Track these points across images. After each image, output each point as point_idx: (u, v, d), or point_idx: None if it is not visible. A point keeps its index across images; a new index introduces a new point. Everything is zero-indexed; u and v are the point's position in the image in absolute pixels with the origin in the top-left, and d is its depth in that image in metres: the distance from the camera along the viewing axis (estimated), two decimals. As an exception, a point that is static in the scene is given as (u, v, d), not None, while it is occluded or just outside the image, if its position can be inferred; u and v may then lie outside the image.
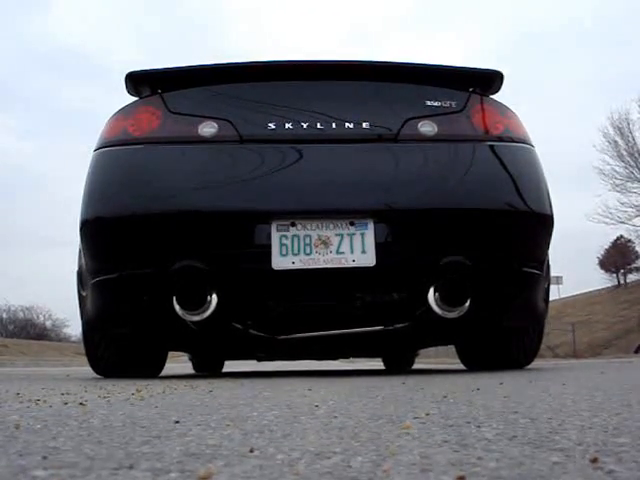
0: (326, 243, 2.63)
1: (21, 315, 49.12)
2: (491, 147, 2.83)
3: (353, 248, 2.63)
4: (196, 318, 2.62)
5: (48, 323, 51.32)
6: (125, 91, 3.00)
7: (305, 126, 2.77)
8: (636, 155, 29.27)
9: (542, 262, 2.97)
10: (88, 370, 3.79)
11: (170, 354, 3.94)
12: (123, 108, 2.92)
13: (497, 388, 1.94)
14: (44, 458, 0.77)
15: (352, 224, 2.65)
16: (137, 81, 2.95)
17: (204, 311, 2.60)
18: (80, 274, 3.15)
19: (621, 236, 40.27)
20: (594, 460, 0.72)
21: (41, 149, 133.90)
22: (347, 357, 5.02)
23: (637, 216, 29.77)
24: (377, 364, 9.73)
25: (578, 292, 44.36)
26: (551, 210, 2.89)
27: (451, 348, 4.46)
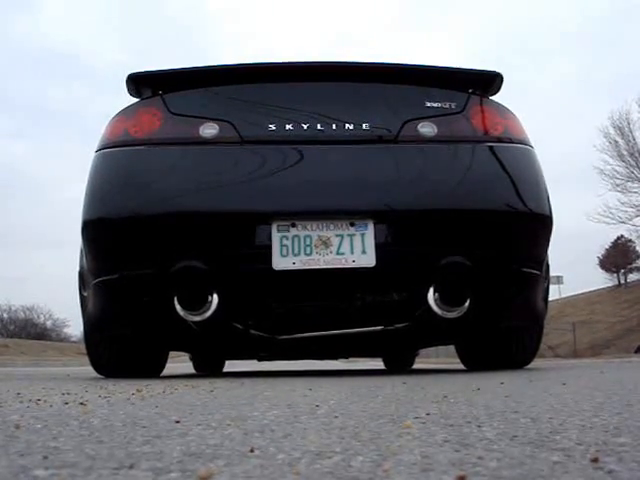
0: (326, 244, 2.63)
1: (22, 315, 49.17)
2: (490, 148, 2.84)
3: (353, 249, 2.63)
4: (197, 318, 2.62)
5: (49, 323, 51.37)
6: (126, 92, 3.00)
7: (305, 127, 2.77)
8: (636, 155, 29.27)
9: (541, 262, 2.97)
10: (88, 370, 3.80)
11: (170, 354, 3.94)
12: (124, 109, 2.92)
13: (497, 388, 1.94)
14: (45, 458, 0.77)
15: (352, 225, 2.65)
16: (138, 82, 2.95)
17: (205, 311, 2.61)
18: (81, 274, 3.16)
19: (621, 236, 40.33)
20: (595, 460, 0.72)
21: (33, 149, 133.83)
22: (347, 357, 5.03)
23: (637, 216, 29.78)
24: (378, 364, 9.73)
25: (579, 292, 44.39)
26: (550, 211, 2.90)
27: (451, 348, 4.46)
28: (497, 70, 3.00)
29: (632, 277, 44.26)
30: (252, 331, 2.82)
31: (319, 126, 2.78)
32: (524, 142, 2.94)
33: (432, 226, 2.71)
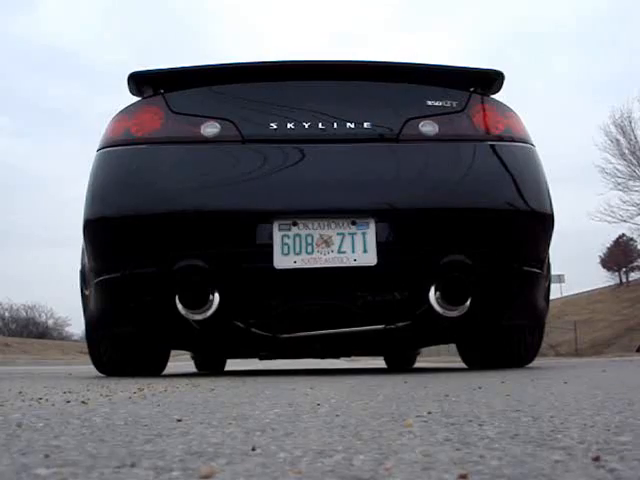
0: (328, 242, 2.63)
1: (23, 314, 49.22)
2: (492, 147, 2.84)
3: (354, 247, 2.63)
4: (198, 317, 2.63)
5: (50, 322, 51.41)
6: (127, 91, 3.00)
7: (307, 126, 2.77)
8: (638, 153, 29.24)
9: (542, 261, 2.97)
10: (90, 369, 3.80)
11: (172, 353, 3.95)
12: (126, 108, 2.92)
13: (499, 386, 1.94)
14: (46, 456, 0.77)
15: (354, 223, 2.65)
16: (139, 81, 2.95)
17: (206, 310, 2.61)
18: (83, 273, 3.16)
19: (623, 235, 40.35)
20: (596, 458, 0.72)
21: (33, 148, 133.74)
22: (349, 356, 5.02)
23: (639, 214, 29.75)
24: (379, 362, 9.73)
25: (580, 290, 44.42)
26: (551, 209, 2.89)
27: (453, 347, 4.46)
28: (498, 69, 3.00)
29: (633, 276, 44.30)
30: (253, 330, 2.82)
31: (320, 125, 2.78)
32: (525, 140, 2.94)
33: (433, 225, 2.71)
